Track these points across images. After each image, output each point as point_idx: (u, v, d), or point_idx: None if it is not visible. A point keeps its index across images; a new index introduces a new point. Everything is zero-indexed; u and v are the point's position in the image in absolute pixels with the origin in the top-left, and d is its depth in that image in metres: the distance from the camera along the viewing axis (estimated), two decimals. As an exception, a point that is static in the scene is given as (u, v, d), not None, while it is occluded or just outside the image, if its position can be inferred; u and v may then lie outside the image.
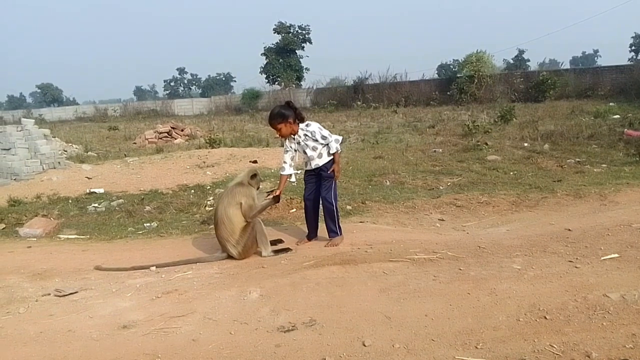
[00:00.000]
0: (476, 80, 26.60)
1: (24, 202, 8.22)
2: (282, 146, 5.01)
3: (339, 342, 2.83)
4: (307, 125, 4.78)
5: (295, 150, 4.89)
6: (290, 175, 4.94)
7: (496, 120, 15.52)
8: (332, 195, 4.83)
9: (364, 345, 2.75)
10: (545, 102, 23.37)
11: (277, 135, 4.99)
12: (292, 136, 4.79)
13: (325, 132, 4.80)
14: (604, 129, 12.28)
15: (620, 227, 4.48)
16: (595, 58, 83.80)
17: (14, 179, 10.07)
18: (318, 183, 4.92)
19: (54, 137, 13.60)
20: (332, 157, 4.82)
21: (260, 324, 3.15)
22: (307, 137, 4.75)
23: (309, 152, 4.79)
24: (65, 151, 13.82)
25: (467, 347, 2.64)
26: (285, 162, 4.87)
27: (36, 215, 7.14)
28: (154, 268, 4.53)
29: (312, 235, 5.10)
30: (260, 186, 4.91)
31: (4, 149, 10.43)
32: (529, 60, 54.89)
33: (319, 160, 4.82)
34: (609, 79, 25.37)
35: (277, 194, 4.78)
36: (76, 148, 15.22)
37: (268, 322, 3.16)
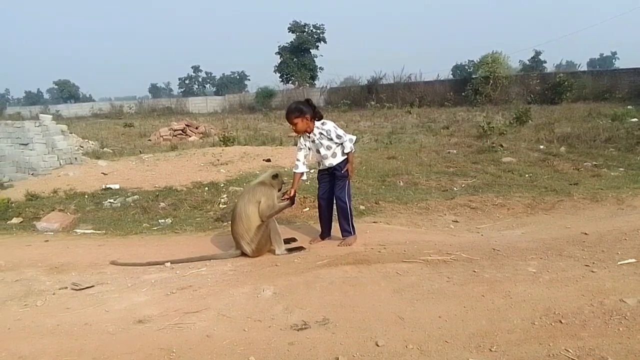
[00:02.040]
0: (491, 81, 26.43)
1: (41, 196, 8.35)
2: (296, 145, 5.02)
3: (352, 341, 2.83)
4: (322, 124, 4.78)
5: (309, 149, 4.89)
6: (303, 173, 4.95)
7: (511, 122, 15.39)
8: (346, 194, 4.83)
9: (377, 346, 2.75)
10: (561, 104, 23.11)
11: (293, 131, 4.99)
12: (307, 134, 4.80)
13: (340, 132, 4.80)
14: (622, 132, 12.10)
15: (637, 232, 4.40)
16: (613, 60, 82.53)
17: (32, 174, 10.23)
18: (332, 182, 4.92)
19: (71, 133, 13.78)
20: (346, 156, 4.83)
21: (274, 321, 3.16)
22: (322, 135, 4.76)
23: (323, 151, 4.80)
24: (82, 147, 14.00)
25: (481, 350, 2.63)
26: (298, 160, 4.87)
27: (53, 210, 7.26)
28: (168, 264, 4.57)
29: (325, 234, 5.11)
30: (282, 188, 4.92)
31: (22, 144, 10.60)
32: (545, 62, 54.15)
33: (333, 159, 4.82)
34: (627, 81, 25.03)
35: (292, 194, 4.78)
36: (92, 144, 15.42)
37: (281, 320, 3.17)
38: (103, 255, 5.08)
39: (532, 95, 25.38)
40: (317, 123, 4.78)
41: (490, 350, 2.61)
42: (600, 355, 2.46)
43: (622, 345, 2.54)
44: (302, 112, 4.67)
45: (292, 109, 4.72)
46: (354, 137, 4.97)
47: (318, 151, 4.83)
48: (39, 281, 4.28)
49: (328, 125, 4.78)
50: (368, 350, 2.72)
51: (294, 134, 5.03)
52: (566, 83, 24.56)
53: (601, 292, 3.17)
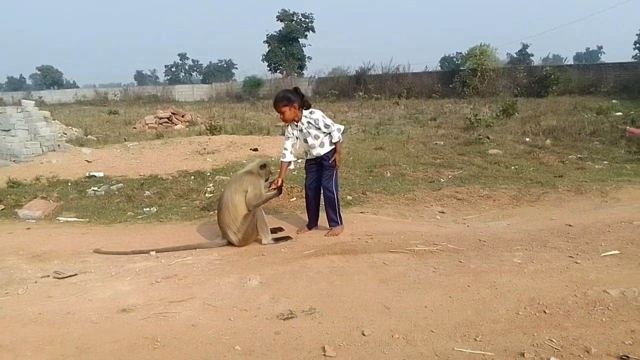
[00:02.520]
0: (479, 73, 26.51)
1: (23, 184, 8.20)
2: (283, 134, 4.98)
3: (338, 331, 2.83)
4: (311, 113, 4.74)
5: (297, 138, 4.85)
6: (290, 162, 4.91)
7: (498, 114, 15.49)
8: (333, 184, 4.81)
9: (363, 335, 2.75)
10: (547, 97, 23.29)
11: (280, 119, 4.93)
12: (295, 123, 4.76)
13: (328, 121, 4.77)
14: (606, 125, 12.25)
15: (621, 224, 4.47)
16: (599, 54, 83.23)
17: (14, 161, 10.04)
18: (319, 172, 4.90)
19: (54, 119, 13.53)
20: (333, 146, 4.80)
21: (260, 311, 3.15)
22: (310, 124, 4.72)
23: (311, 140, 4.76)
24: (65, 134, 13.78)
25: (467, 339, 2.64)
26: (286, 149, 4.84)
27: (35, 197, 7.13)
28: (153, 253, 4.53)
29: (312, 224, 5.09)
30: (269, 178, 4.89)
31: (4, 130, 10.38)
32: (532, 55, 54.29)
33: (321, 149, 4.79)
34: (613, 75, 25.31)
35: (279, 184, 4.74)
36: (76, 131, 15.17)
37: (267, 310, 3.15)
38: (86, 243, 5.01)
39: (518, 88, 25.51)
40: (305, 112, 4.74)
41: (475, 339, 2.63)
42: (584, 345, 2.49)
43: (605, 336, 2.57)
44: (290, 100, 4.62)
45: (280, 97, 4.67)
46: (342, 127, 4.95)
47: (306, 140, 4.79)
48: (21, 269, 4.21)
49: (316, 115, 4.74)
50: (354, 339, 2.72)
51: (282, 123, 4.99)
52: (552, 76, 24.75)
53: (585, 283, 3.21)
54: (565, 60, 42.01)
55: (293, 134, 4.82)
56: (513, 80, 26.52)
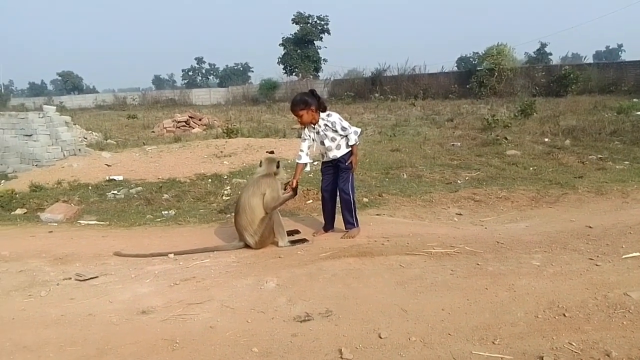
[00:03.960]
0: (496, 73, 26.25)
1: (45, 187, 8.37)
2: (300, 137, 5.00)
3: (355, 333, 2.83)
4: (328, 115, 4.76)
5: (313, 140, 4.87)
6: (306, 164, 4.93)
7: (516, 114, 15.30)
8: (350, 186, 4.81)
9: (380, 337, 2.75)
10: (567, 96, 22.96)
11: (298, 122, 4.96)
12: (312, 125, 4.78)
13: (345, 124, 4.78)
14: (627, 125, 12.02)
15: (642, 226, 4.39)
16: (619, 52, 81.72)
17: (36, 165, 10.27)
18: (335, 174, 4.91)
19: (75, 124, 13.79)
20: (350, 148, 4.81)
21: (277, 313, 3.17)
22: (327, 127, 4.73)
23: (327, 142, 4.78)
24: (85, 138, 14.02)
25: (485, 343, 2.63)
26: (302, 151, 4.85)
27: (57, 201, 7.27)
28: (172, 255, 4.58)
29: (328, 226, 5.10)
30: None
31: (26, 136, 10.62)
32: (551, 54, 53.49)
33: (337, 151, 4.80)
34: (633, 74, 24.83)
35: (294, 184, 4.77)
36: (96, 136, 15.42)
37: (284, 312, 3.17)
38: (107, 246, 5.09)
39: (537, 88, 25.17)
40: (322, 114, 4.76)
41: (494, 343, 2.61)
42: (604, 349, 2.45)
43: (625, 339, 2.53)
44: (308, 103, 4.65)
45: (297, 101, 4.69)
46: (359, 130, 4.95)
47: (322, 143, 4.81)
48: (43, 272, 4.29)
49: (333, 117, 4.75)
50: (371, 342, 2.72)
51: (298, 125, 5.01)
52: (572, 75, 24.40)
53: (605, 285, 3.16)
54: (584, 58, 41.26)
55: (310, 136, 4.84)
56: (531, 79, 26.18)
